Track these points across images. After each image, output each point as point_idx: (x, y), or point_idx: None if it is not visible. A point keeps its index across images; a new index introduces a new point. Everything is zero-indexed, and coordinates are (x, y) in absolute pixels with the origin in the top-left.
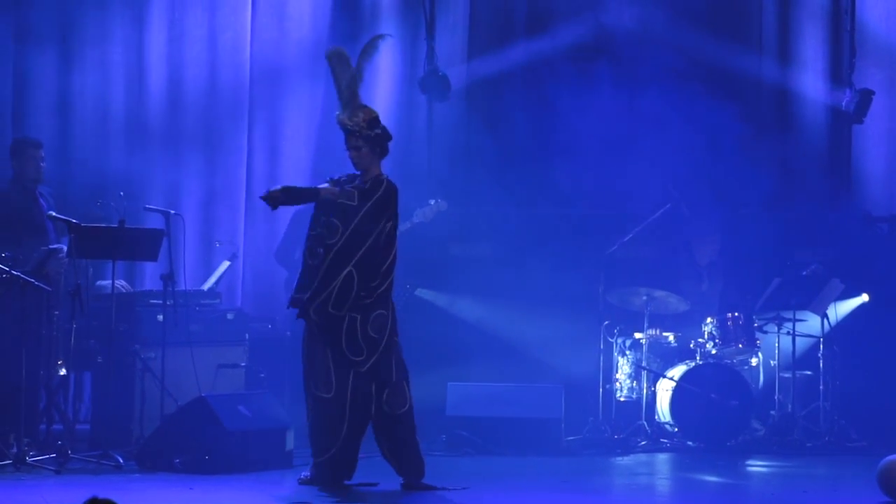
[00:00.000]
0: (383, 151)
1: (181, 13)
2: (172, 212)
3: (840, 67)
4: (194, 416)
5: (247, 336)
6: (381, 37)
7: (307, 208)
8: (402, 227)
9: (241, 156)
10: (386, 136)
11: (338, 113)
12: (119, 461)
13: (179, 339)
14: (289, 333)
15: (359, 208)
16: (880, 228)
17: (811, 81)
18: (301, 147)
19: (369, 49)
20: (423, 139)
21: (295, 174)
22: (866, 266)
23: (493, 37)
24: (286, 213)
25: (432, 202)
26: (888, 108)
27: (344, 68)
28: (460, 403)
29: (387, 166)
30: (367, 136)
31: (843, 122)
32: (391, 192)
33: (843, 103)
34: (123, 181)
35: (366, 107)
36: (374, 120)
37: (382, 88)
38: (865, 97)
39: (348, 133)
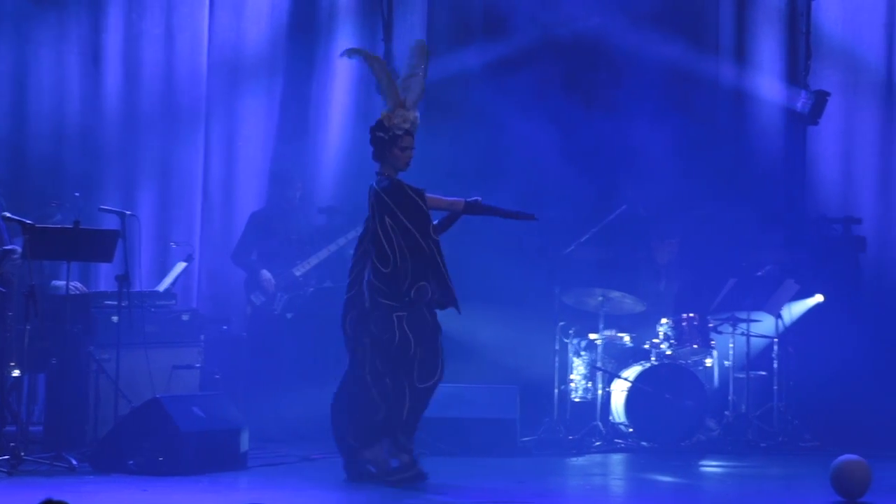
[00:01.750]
0: None
1: (138, 13)
2: (128, 213)
3: (796, 69)
4: (148, 417)
5: (202, 337)
6: (425, 45)
7: (267, 211)
8: (360, 227)
9: (198, 156)
10: None
11: (399, 112)
12: (73, 463)
13: (134, 341)
14: (244, 334)
15: None
16: (834, 229)
17: (767, 83)
18: (259, 147)
19: (421, 54)
20: None
21: (252, 175)
22: (821, 267)
23: (451, 38)
24: (247, 214)
25: None
26: (843, 109)
27: (383, 71)
28: None
29: (344, 165)
30: (415, 137)
31: (799, 123)
32: None
33: (799, 105)
34: (79, 182)
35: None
36: None
37: (339, 89)
38: (821, 99)
39: (409, 133)
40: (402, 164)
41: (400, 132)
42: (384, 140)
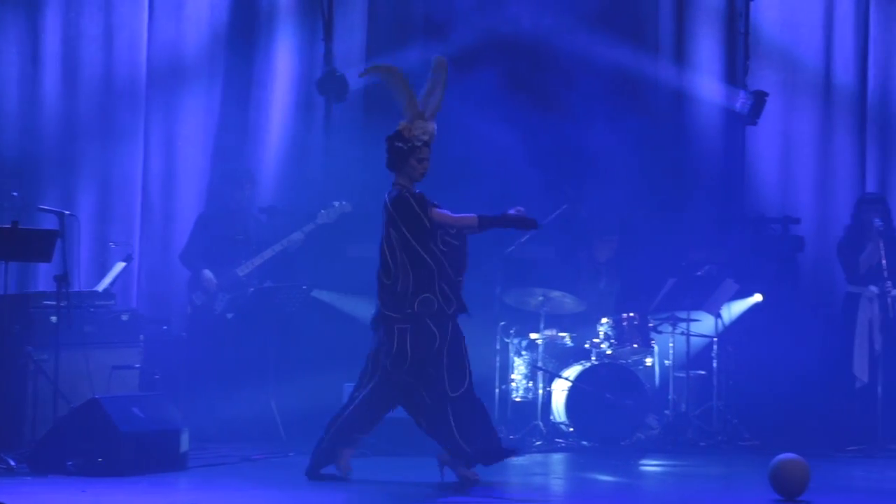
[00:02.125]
0: None
1: (77, 13)
2: (67, 212)
3: (735, 69)
4: (87, 418)
5: (141, 337)
6: (445, 60)
7: (214, 211)
8: (306, 228)
9: (138, 157)
10: None
11: (418, 124)
12: (10, 464)
13: (73, 341)
14: (185, 334)
15: None
16: (773, 229)
17: (706, 83)
18: (199, 147)
19: (442, 69)
20: (320, 140)
21: (192, 175)
22: (759, 266)
23: (392, 38)
24: (187, 215)
25: (336, 204)
26: (782, 109)
27: (400, 83)
28: None
29: (285, 166)
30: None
31: (738, 123)
32: None
33: (738, 105)
34: (17, 182)
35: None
36: None
37: (279, 90)
38: (759, 99)
39: (427, 145)
40: (419, 174)
41: (419, 143)
42: (403, 150)
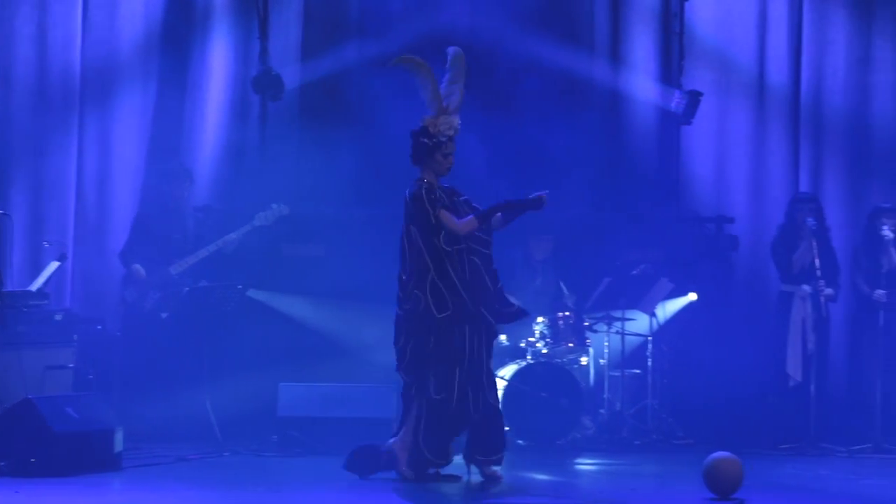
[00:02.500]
0: None
1: (10, 11)
2: (0, 212)
3: (669, 69)
4: (21, 418)
5: (75, 337)
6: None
7: (152, 209)
8: (242, 229)
9: (72, 155)
10: None
11: (444, 119)
12: None
13: (6, 341)
14: (119, 334)
15: None
16: (708, 228)
17: (641, 83)
18: (133, 146)
19: (460, 63)
20: (255, 139)
21: (127, 174)
22: (694, 266)
23: (327, 36)
24: (122, 214)
25: (274, 206)
26: (716, 109)
27: (429, 77)
28: (292, 404)
29: (220, 164)
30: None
31: (672, 123)
32: None
33: (673, 104)
34: None
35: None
36: None
37: (215, 88)
38: (694, 99)
39: (452, 139)
40: (444, 169)
41: (444, 138)
42: (428, 146)
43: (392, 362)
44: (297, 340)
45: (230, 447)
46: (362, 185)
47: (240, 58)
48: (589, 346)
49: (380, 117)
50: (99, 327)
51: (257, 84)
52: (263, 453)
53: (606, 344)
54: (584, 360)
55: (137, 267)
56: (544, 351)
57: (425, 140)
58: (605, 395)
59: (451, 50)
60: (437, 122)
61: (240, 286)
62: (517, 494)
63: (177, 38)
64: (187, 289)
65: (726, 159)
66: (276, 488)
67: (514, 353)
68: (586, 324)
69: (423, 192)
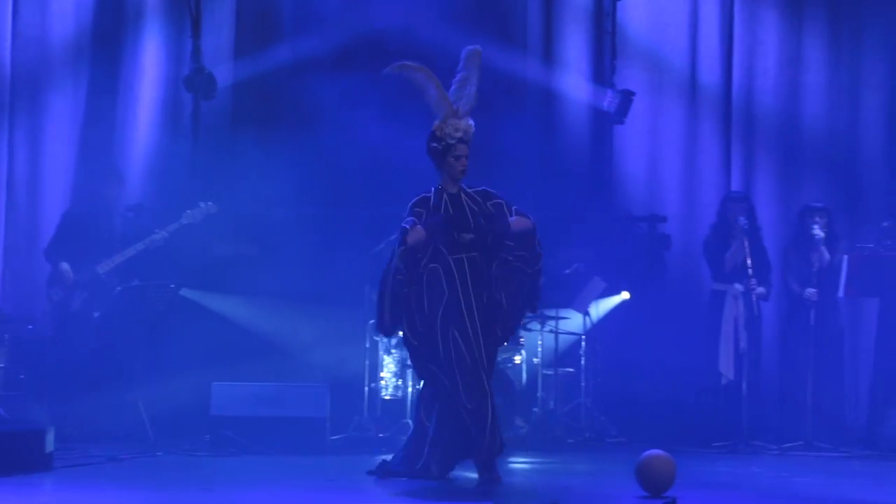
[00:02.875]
0: None
1: None
2: None
3: (602, 69)
4: None
5: (6, 337)
6: (479, 51)
7: (79, 208)
8: (170, 227)
9: (2, 155)
10: None
11: (452, 122)
12: None
13: None
14: (50, 334)
15: None
16: (640, 227)
17: (574, 82)
18: (64, 144)
19: (475, 60)
20: (188, 138)
21: (58, 172)
22: (627, 264)
23: (260, 35)
24: (53, 212)
25: (202, 204)
26: (649, 108)
27: (430, 81)
28: (225, 403)
29: (152, 163)
30: (469, 144)
31: (605, 122)
32: None
33: (605, 104)
34: None
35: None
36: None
37: (146, 87)
38: (626, 98)
39: (463, 141)
40: (457, 172)
41: (453, 141)
42: (438, 150)
43: (324, 361)
44: (230, 340)
45: (163, 447)
46: (295, 184)
47: (172, 57)
48: (522, 344)
49: (313, 117)
50: (30, 327)
51: (190, 83)
52: (196, 453)
53: (540, 343)
54: (517, 359)
55: (65, 266)
56: None
57: (435, 144)
58: (539, 394)
59: (465, 50)
60: (443, 126)
61: (172, 285)
62: (451, 494)
63: (108, 37)
64: (120, 288)
65: (659, 159)
66: (209, 488)
67: None
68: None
69: (414, 200)
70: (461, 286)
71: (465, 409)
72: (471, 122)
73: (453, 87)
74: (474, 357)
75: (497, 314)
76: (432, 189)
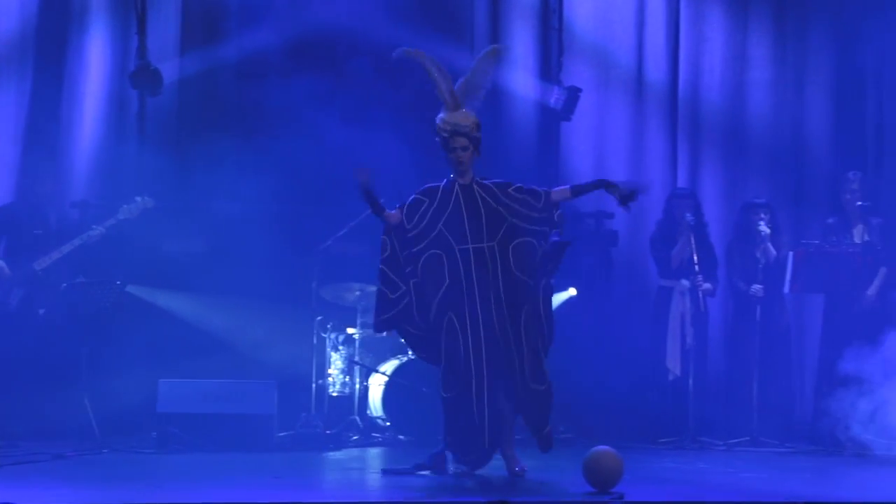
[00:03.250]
0: (478, 154)
1: None
2: None
3: (549, 65)
4: None
5: None
6: (498, 49)
7: (16, 204)
8: (106, 223)
9: None
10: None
11: (445, 115)
12: None
13: None
14: None
15: None
16: (587, 224)
17: (521, 79)
18: (8, 140)
19: (492, 57)
20: (134, 134)
21: (2, 170)
22: (574, 261)
23: (206, 32)
24: None
25: (138, 199)
26: (596, 105)
27: (443, 73)
28: (171, 400)
29: (97, 159)
30: (473, 137)
31: (552, 119)
32: None
33: (552, 100)
34: None
35: (470, 111)
36: (479, 123)
37: (92, 83)
38: (573, 94)
39: (458, 134)
40: (453, 166)
41: (446, 135)
42: (439, 144)
43: (272, 358)
44: (177, 337)
45: (109, 444)
46: (242, 180)
47: (117, 53)
48: None
49: (260, 113)
50: None
51: (135, 80)
52: (143, 450)
53: None
54: None
55: (1, 264)
56: None
57: (437, 138)
58: None
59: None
60: (438, 120)
61: (118, 282)
62: (399, 491)
63: (53, 32)
64: (65, 285)
65: (605, 155)
66: (156, 485)
67: (395, 349)
68: None
69: (421, 188)
70: (465, 276)
71: (442, 398)
72: (468, 113)
73: (465, 80)
74: (468, 347)
75: (526, 294)
76: (445, 179)
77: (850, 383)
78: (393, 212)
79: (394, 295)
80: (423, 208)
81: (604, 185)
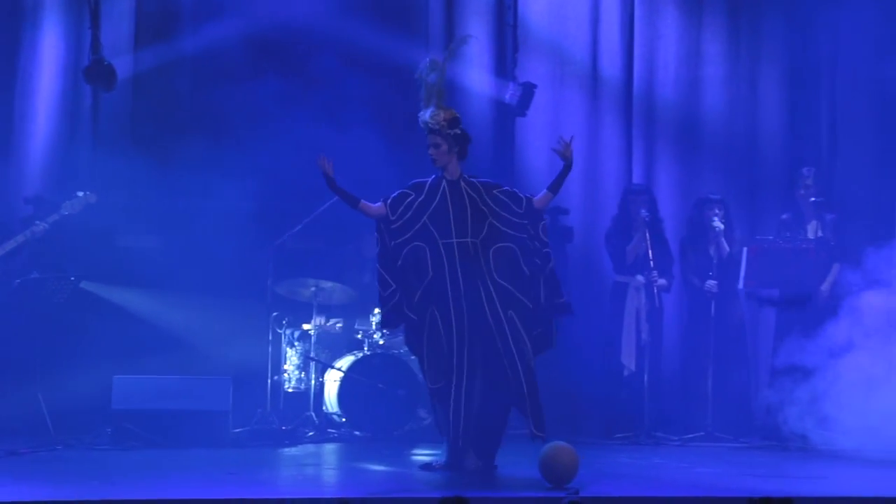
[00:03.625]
0: (462, 152)
1: None
2: None
3: (504, 61)
4: None
5: None
6: (465, 39)
7: None
8: (49, 218)
9: None
10: (465, 137)
11: (420, 113)
12: None
13: None
14: None
15: None
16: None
17: (476, 75)
18: None
19: (455, 51)
20: (88, 129)
21: None
22: None
23: (161, 27)
24: None
25: (80, 194)
26: (551, 101)
27: (432, 74)
28: (127, 397)
29: (51, 155)
30: (446, 134)
31: (507, 115)
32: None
33: (507, 96)
34: None
35: (448, 108)
36: (454, 119)
37: (46, 78)
38: (528, 91)
39: (429, 131)
40: (432, 161)
41: (425, 132)
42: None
43: (227, 354)
44: (131, 333)
45: (63, 440)
46: (196, 176)
47: (71, 48)
48: None
49: (214, 108)
50: None
51: (89, 74)
52: (97, 447)
53: None
54: None
55: None
56: (381, 342)
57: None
58: None
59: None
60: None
61: (72, 278)
62: (355, 486)
63: (5, 27)
64: (18, 280)
65: None
66: (111, 482)
67: (351, 345)
68: None
69: (411, 182)
70: (450, 270)
71: (429, 389)
72: (434, 111)
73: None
74: (452, 341)
75: (509, 300)
76: (433, 175)
77: (798, 378)
78: (377, 204)
79: (385, 292)
80: (408, 200)
81: (566, 163)
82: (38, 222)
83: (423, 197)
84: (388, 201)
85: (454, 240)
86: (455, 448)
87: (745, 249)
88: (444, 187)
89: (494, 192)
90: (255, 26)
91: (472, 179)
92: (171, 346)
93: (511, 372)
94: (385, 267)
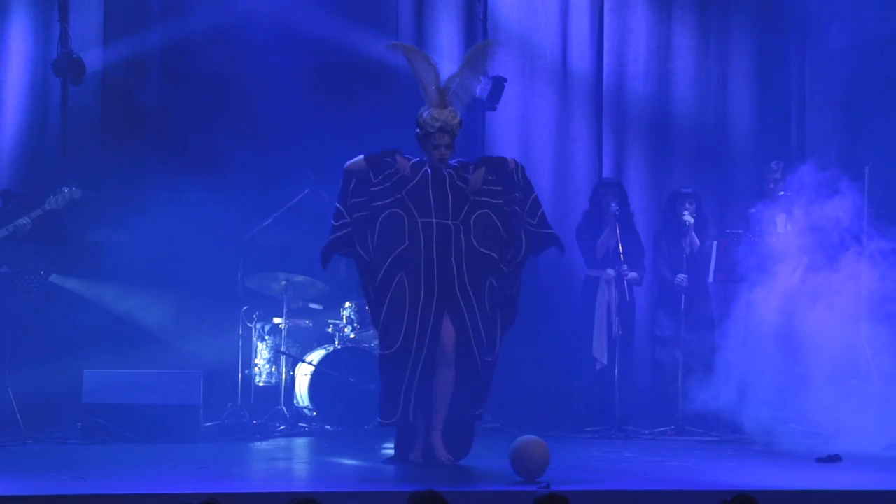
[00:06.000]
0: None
1: None
2: None
3: None
4: None
5: None
6: (490, 43)
7: None
8: (33, 213)
9: None
10: None
11: (433, 111)
12: None
13: None
14: None
15: None
16: None
17: (446, 68)
18: None
19: (480, 54)
20: (57, 123)
21: None
22: None
23: (130, 20)
24: None
25: (66, 190)
26: (521, 95)
27: (426, 67)
28: (96, 391)
29: (21, 148)
30: (455, 134)
31: (477, 108)
32: None
33: (477, 90)
34: None
35: (452, 108)
36: (462, 122)
37: (14, 71)
38: (498, 84)
39: (442, 131)
40: (436, 160)
41: (433, 130)
42: (419, 136)
43: (197, 348)
44: (101, 327)
45: (33, 435)
46: (167, 169)
47: (40, 41)
48: None
49: (183, 102)
50: None
51: (58, 67)
52: (67, 441)
53: None
54: None
55: None
56: (352, 336)
57: (418, 130)
58: None
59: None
60: (423, 114)
61: (42, 272)
62: (324, 481)
63: None
64: None
65: (531, 145)
66: (81, 476)
67: (322, 339)
68: None
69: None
70: (425, 246)
71: (379, 356)
72: (455, 112)
73: (459, 78)
74: (416, 311)
75: (489, 266)
76: (416, 157)
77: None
78: (358, 157)
79: (337, 223)
80: (391, 170)
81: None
82: (22, 217)
83: (407, 172)
84: (371, 160)
85: (433, 220)
86: (405, 423)
87: (714, 243)
88: (425, 170)
89: (470, 167)
90: (223, 19)
91: (451, 162)
92: (142, 340)
93: (467, 349)
94: (342, 202)
